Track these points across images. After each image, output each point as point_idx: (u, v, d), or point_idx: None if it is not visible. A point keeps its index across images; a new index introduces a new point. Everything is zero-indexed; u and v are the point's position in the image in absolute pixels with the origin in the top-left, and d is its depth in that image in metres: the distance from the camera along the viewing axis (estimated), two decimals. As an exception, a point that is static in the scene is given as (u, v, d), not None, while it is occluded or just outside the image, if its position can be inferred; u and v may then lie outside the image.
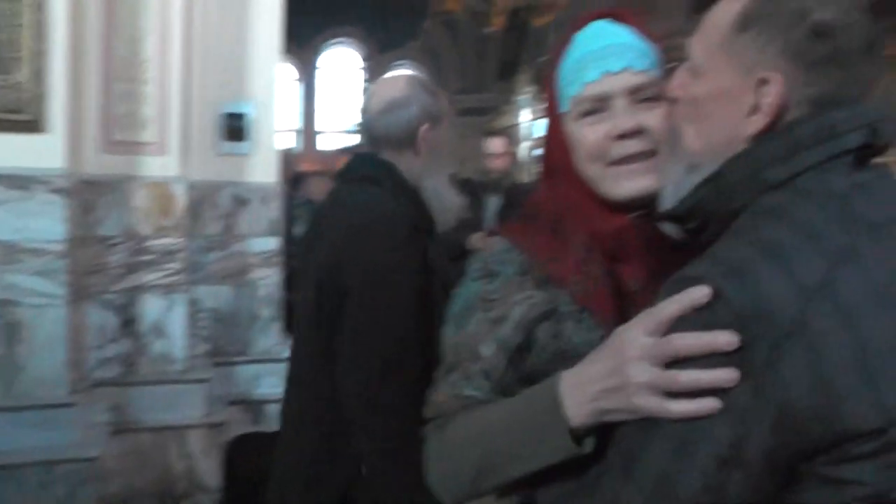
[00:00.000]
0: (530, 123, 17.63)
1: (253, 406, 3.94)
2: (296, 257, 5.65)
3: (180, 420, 3.48)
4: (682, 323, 0.86)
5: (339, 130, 19.80)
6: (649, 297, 0.96)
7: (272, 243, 4.10)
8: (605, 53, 1.16)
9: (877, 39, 0.95)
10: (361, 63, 20.68)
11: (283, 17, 4.13)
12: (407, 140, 1.82)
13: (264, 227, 4.06)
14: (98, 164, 3.50)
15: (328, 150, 20.00)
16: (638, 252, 1.14)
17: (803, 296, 0.80)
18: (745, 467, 0.82)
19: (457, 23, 19.08)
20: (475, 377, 1.16)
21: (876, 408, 0.79)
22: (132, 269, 3.54)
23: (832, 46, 0.91)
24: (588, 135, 1.17)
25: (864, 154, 0.93)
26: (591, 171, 1.16)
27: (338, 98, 20.80)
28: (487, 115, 20.29)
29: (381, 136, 1.83)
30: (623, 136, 1.13)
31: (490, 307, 1.17)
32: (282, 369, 3.93)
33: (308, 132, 20.80)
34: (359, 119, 1.92)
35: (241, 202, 4.02)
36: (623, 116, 1.14)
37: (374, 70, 20.45)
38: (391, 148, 1.83)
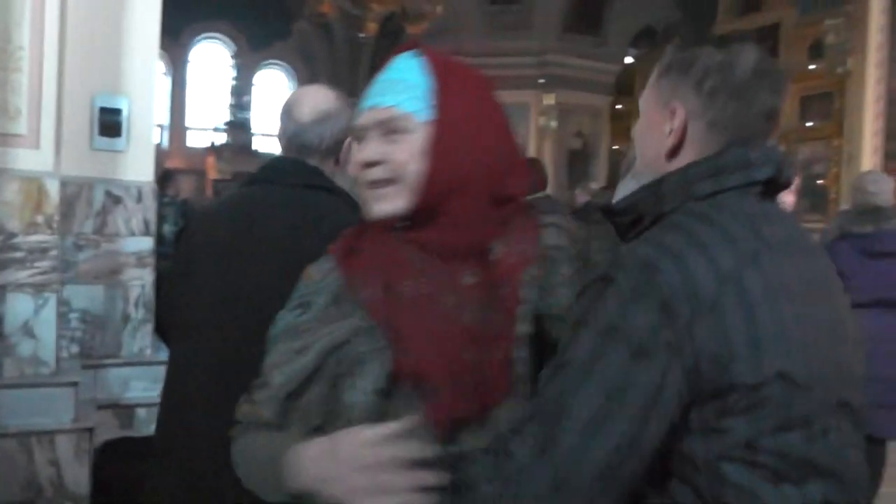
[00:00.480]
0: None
1: (122, 410, 3.82)
2: (167, 258, 5.51)
3: (48, 425, 3.34)
4: (597, 296, 1.07)
5: (207, 127, 19.30)
6: (425, 301, 1.19)
7: (146, 243, 3.98)
8: (375, 88, 1.27)
9: (767, 68, 1.19)
10: (231, 60, 20.24)
11: (160, 10, 4.03)
12: (334, 150, 1.89)
13: (138, 227, 3.95)
14: (-36, 155, 3.34)
15: (196, 148, 19.52)
16: (408, 263, 1.26)
17: (718, 280, 1.04)
18: (661, 411, 1.03)
19: (330, 25, 18.96)
20: (267, 401, 1.30)
21: (755, 369, 1.03)
22: (0, 266, 3.38)
23: (720, 79, 1.17)
24: (352, 160, 1.34)
25: (770, 187, 1.19)
26: (361, 192, 1.30)
27: (207, 94, 20.28)
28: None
29: (311, 144, 1.87)
30: (368, 165, 1.25)
31: (297, 338, 1.30)
32: (153, 372, 3.89)
33: (176, 128, 20.19)
34: (285, 125, 1.91)
35: (114, 200, 3.90)
36: (366, 148, 1.26)
37: (244, 67, 20.10)
38: (318, 156, 1.88)
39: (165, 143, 19.75)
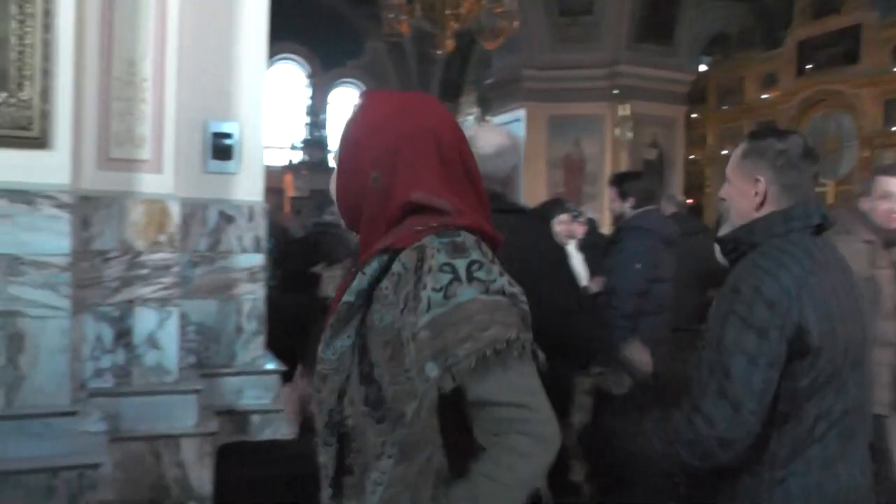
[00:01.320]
0: (475, 143, 17.90)
1: (237, 416, 4.05)
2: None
3: (173, 429, 3.58)
4: (732, 302, 1.86)
5: (284, 146, 19.74)
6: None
7: (257, 259, 4.22)
8: None
9: (810, 150, 1.98)
10: (305, 79, 20.71)
11: (266, 38, 4.26)
12: (506, 181, 2.45)
13: (250, 244, 4.19)
14: (96, 180, 3.60)
15: (274, 166, 20.01)
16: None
17: (797, 286, 1.83)
18: (777, 365, 1.82)
19: (402, 43, 19.25)
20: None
21: (819, 337, 1.82)
22: (127, 282, 3.64)
23: (785, 158, 1.96)
24: None
25: (819, 228, 1.95)
26: None
27: (283, 114, 20.75)
28: (431, 134, 20.50)
29: (492, 174, 2.36)
30: None
31: None
32: (264, 381, 4.11)
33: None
34: None
35: (227, 219, 4.14)
36: None
37: (318, 86, 20.56)
38: (495, 186, 2.34)
39: (244, 162, 20.23)
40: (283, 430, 4.10)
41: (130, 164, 3.68)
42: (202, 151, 4.14)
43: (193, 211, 4.09)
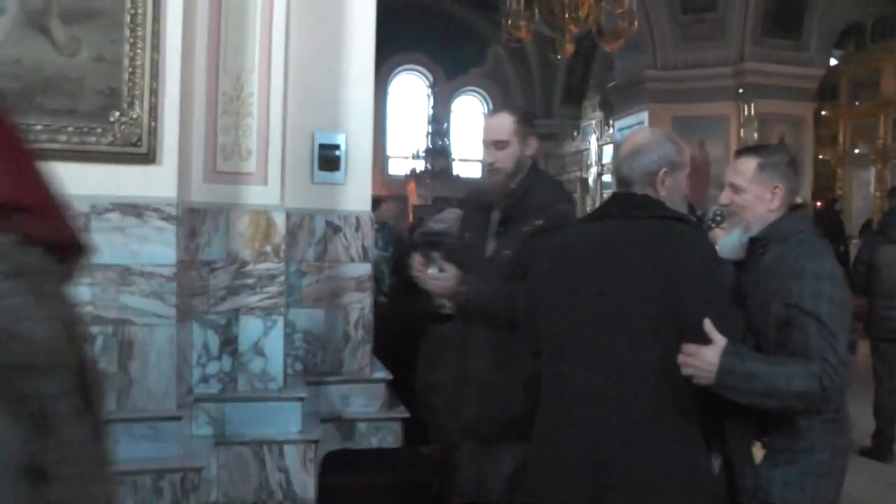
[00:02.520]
0: (598, 148, 17.66)
1: (343, 424, 4.10)
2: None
3: (277, 435, 3.66)
4: (815, 282, 2.25)
5: (407, 156, 20.01)
6: None
7: (364, 268, 4.26)
8: None
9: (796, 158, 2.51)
10: (427, 89, 20.95)
11: (373, 48, 4.30)
12: (648, 180, 2.33)
13: (357, 254, 4.24)
14: (203, 192, 3.74)
15: (397, 175, 20.35)
16: None
17: (832, 265, 2.32)
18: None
19: (524, 50, 19.19)
20: None
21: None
22: (233, 291, 3.75)
23: (793, 169, 2.44)
24: None
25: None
26: None
27: (407, 123, 21.04)
28: (554, 140, 20.38)
29: (625, 176, 2.36)
30: None
31: None
32: (371, 389, 4.15)
33: (378, 157, 21.10)
34: (615, 163, 2.56)
35: (334, 229, 4.21)
36: None
37: (441, 95, 20.76)
38: (636, 186, 2.34)
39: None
40: (388, 438, 4.13)
41: (236, 177, 3.79)
42: (309, 163, 4.22)
43: (300, 221, 4.18)
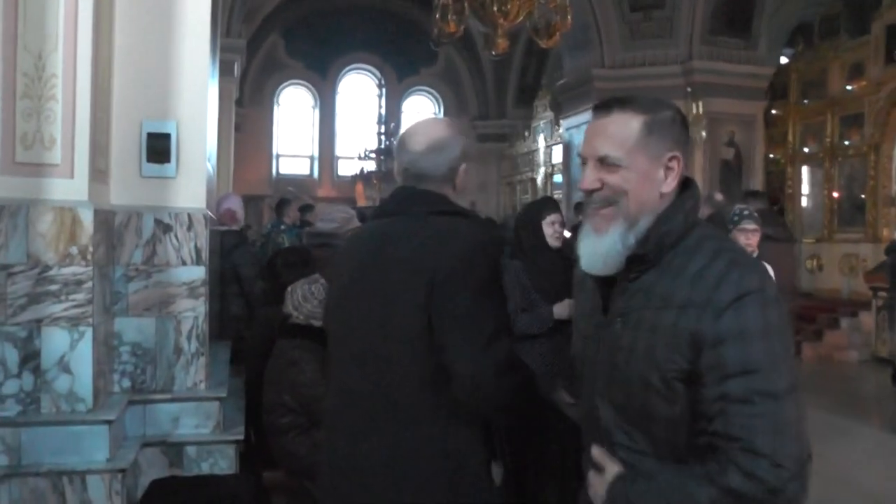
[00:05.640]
0: (547, 148, 17.32)
1: (171, 448, 3.63)
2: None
3: (80, 465, 3.19)
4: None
5: (355, 156, 19.62)
6: None
7: (198, 272, 3.78)
8: None
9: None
10: (377, 89, 20.58)
11: (209, 29, 3.86)
12: (450, 176, 2.13)
13: (189, 256, 3.77)
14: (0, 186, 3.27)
15: (346, 176, 19.90)
16: None
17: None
18: None
19: (476, 49, 18.88)
20: None
21: None
22: (34, 299, 3.28)
23: (687, 130, 1.71)
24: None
25: None
26: None
27: (356, 124, 20.70)
28: (507, 141, 20.05)
29: (425, 172, 2.10)
30: None
31: None
32: (204, 408, 3.69)
33: (326, 158, 20.69)
34: (400, 157, 2.15)
35: (164, 228, 3.74)
36: None
37: (391, 95, 20.36)
38: (433, 183, 2.11)
39: (316, 173, 20.29)
40: (222, 463, 3.67)
41: (38, 169, 3.32)
42: (137, 154, 3.76)
43: (127, 220, 3.71)
